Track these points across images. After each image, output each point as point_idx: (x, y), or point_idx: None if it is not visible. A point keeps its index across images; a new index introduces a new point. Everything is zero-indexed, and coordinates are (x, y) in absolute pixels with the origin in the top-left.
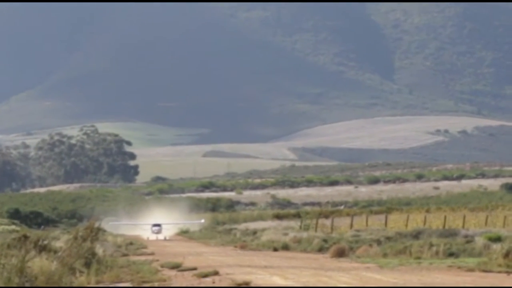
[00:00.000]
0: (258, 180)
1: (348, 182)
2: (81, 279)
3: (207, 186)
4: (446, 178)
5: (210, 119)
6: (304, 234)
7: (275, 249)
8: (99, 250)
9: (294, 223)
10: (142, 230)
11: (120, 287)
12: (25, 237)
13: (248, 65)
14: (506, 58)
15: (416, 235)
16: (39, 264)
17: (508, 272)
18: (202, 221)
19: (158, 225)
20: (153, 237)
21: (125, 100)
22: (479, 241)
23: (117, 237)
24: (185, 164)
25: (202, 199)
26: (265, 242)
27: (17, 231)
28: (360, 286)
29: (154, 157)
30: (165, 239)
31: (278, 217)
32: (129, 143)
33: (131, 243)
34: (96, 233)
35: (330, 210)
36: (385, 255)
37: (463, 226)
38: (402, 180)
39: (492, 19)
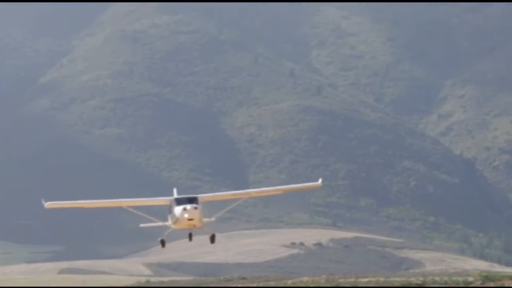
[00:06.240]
0: None
1: None
2: None
3: None
4: None
5: (64, 236)
6: None
7: None
8: None
9: None
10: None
11: None
12: None
13: (102, 182)
14: (360, 170)
15: None
16: None
17: None
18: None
19: (192, 199)
20: (183, 220)
21: None
22: None
23: None
24: (41, 281)
25: None
26: None
27: None
28: None
29: (9, 275)
30: (212, 237)
31: None
32: None
33: None
34: None
35: None
36: None
37: None
38: None
39: (346, 132)
